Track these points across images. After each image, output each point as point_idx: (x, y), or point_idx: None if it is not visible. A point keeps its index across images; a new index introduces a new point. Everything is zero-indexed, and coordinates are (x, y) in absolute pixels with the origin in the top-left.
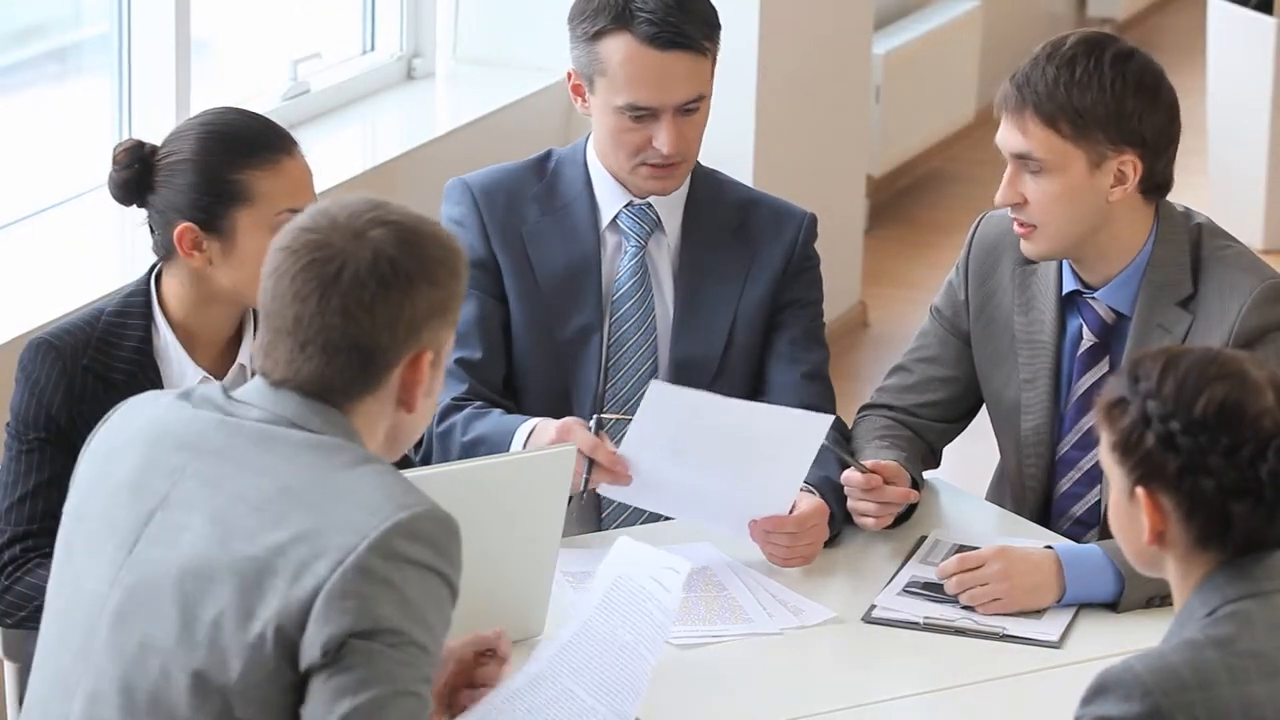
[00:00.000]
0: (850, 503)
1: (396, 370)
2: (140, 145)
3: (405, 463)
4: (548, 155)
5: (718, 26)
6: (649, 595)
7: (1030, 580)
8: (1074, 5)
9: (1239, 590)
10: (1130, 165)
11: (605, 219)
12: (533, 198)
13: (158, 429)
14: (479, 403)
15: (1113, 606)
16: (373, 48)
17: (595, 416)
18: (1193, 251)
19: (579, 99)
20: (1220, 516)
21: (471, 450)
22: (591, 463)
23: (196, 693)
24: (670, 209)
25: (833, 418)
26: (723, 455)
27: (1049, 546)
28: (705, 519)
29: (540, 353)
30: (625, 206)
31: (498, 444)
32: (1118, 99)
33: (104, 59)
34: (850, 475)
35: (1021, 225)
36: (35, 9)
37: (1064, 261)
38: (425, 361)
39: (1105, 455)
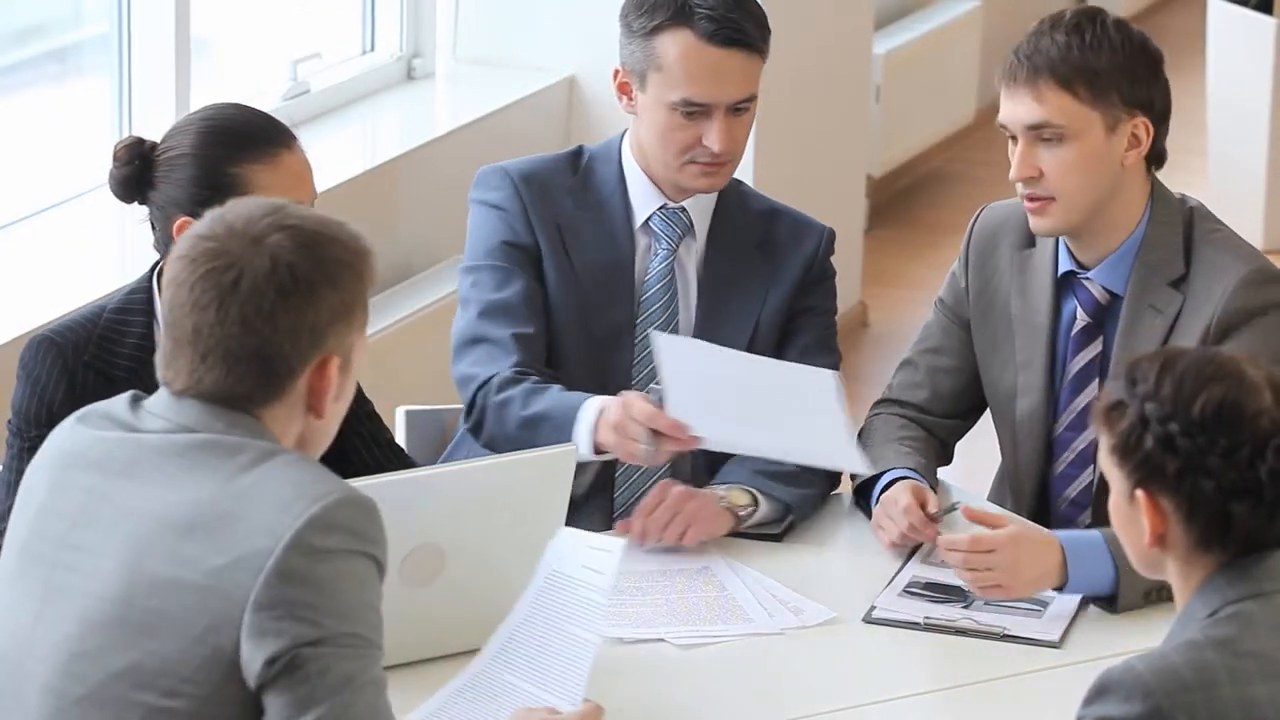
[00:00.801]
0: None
1: (302, 377)
2: (140, 142)
3: (401, 459)
4: (579, 151)
5: (769, 29)
6: (581, 583)
7: (1035, 571)
8: (1073, 5)
9: (1240, 591)
10: (1143, 128)
11: (638, 220)
12: (567, 191)
13: (64, 452)
14: (535, 377)
15: (1112, 602)
16: (373, 48)
17: (650, 387)
18: (1185, 232)
19: (625, 97)
20: (1220, 517)
21: (531, 425)
22: (655, 432)
23: None
24: (701, 214)
25: (833, 373)
26: (753, 401)
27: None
28: (783, 457)
29: (575, 343)
30: (659, 209)
31: (561, 421)
32: (1130, 60)
33: (104, 59)
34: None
35: (1036, 200)
36: (35, 9)
37: (1060, 242)
38: (332, 367)
39: (1104, 458)
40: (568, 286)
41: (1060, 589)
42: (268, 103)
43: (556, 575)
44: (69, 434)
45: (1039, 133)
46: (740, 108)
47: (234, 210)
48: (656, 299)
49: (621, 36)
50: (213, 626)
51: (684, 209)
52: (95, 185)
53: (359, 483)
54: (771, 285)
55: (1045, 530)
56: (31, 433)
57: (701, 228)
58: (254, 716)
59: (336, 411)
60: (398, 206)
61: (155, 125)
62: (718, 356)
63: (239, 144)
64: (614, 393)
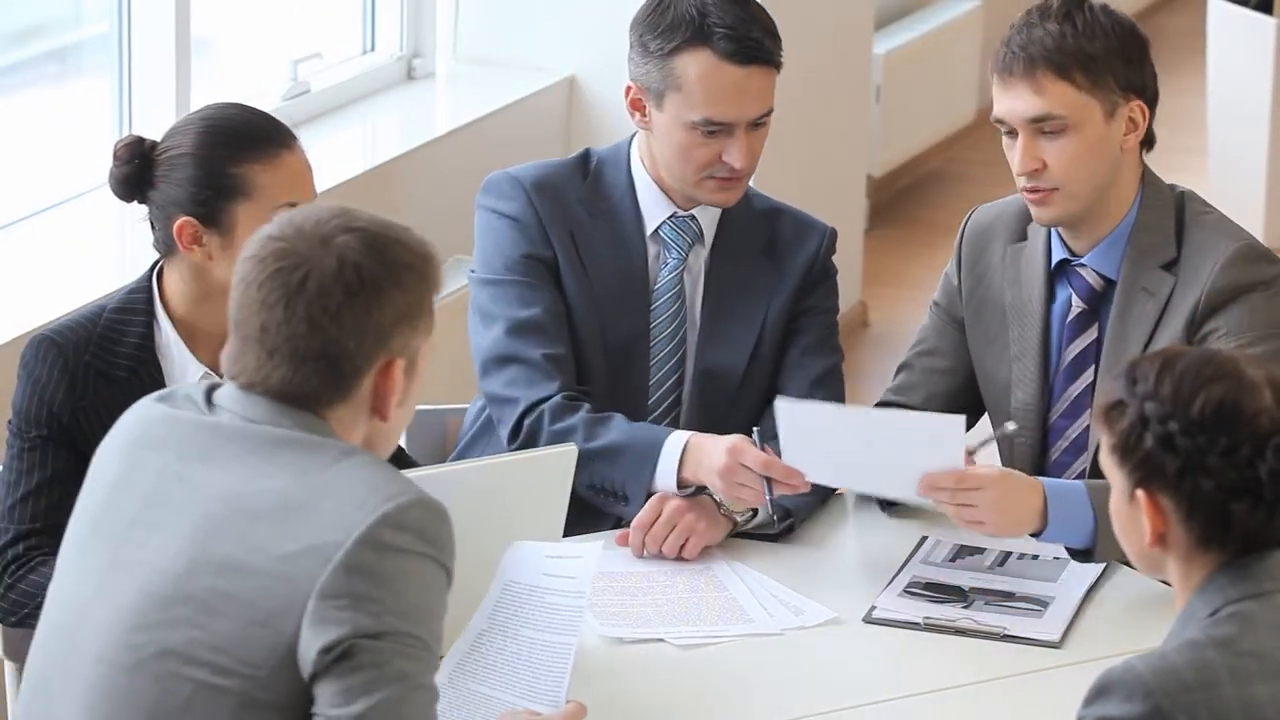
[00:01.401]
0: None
1: (367, 378)
2: (140, 141)
3: (402, 459)
4: (587, 155)
5: (780, 38)
6: (546, 589)
7: (1016, 513)
8: None
9: (1241, 591)
10: (1139, 111)
11: (649, 228)
12: (578, 198)
13: (139, 430)
14: (587, 404)
15: (1089, 555)
16: (373, 48)
17: (755, 429)
18: (1177, 215)
19: (638, 113)
20: (1220, 516)
21: (607, 457)
22: (769, 479)
23: (203, 700)
24: (710, 221)
25: (964, 418)
26: (872, 461)
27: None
28: (890, 494)
29: (592, 353)
30: (669, 218)
31: (644, 454)
32: (1122, 43)
33: (104, 59)
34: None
35: (1038, 191)
36: (35, 9)
37: (1052, 231)
38: (397, 369)
39: (1105, 458)
40: (584, 297)
41: (1038, 535)
42: (268, 103)
43: (513, 585)
44: (146, 411)
45: (1040, 125)
46: (760, 122)
47: (302, 213)
48: (666, 308)
49: (634, 54)
50: (276, 611)
51: (694, 217)
52: (95, 185)
53: None
54: (775, 289)
55: (1030, 476)
56: (31, 433)
57: (710, 235)
58: (300, 707)
59: (401, 416)
60: (398, 206)
61: (155, 125)
62: (840, 416)
63: (240, 144)
64: (634, 400)
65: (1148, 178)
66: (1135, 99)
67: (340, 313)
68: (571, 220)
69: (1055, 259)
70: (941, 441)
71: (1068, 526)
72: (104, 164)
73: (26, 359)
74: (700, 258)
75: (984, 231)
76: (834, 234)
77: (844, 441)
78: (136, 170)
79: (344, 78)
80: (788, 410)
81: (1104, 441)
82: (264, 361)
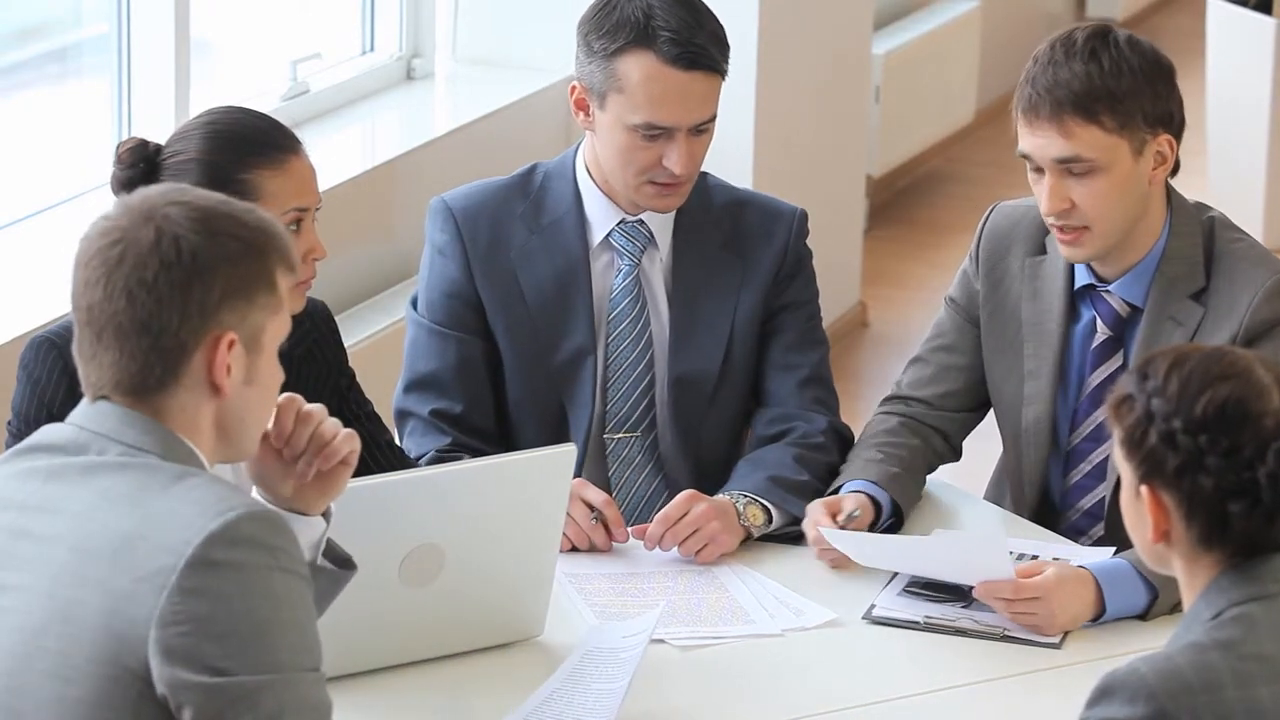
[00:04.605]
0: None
1: (196, 354)
2: (145, 144)
3: (401, 459)
4: (532, 170)
5: (729, 45)
6: (621, 649)
7: (1072, 611)
8: (1073, 5)
9: (1244, 593)
10: (1167, 144)
11: (596, 236)
12: (519, 217)
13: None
14: (465, 456)
15: (1142, 616)
16: (372, 48)
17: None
18: (1205, 244)
19: (581, 113)
20: (1219, 516)
21: None
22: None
23: None
24: (662, 224)
25: (1004, 536)
26: (925, 567)
27: (1082, 565)
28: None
29: (534, 378)
30: (618, 225)
31: None
32: (1149, 79)
33: (104, 59)
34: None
35: (1069, 230)
36: (35, 9)
37: None
38: (225, 344)
39: (1116, 451)
40: (520, 326)
41: (1097, 618)
42: (267, 103)
43: (595, 651)
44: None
45: (1068, 166)
46: (701, 128)
47: (139, 193)
48: (625, 315)
49: (579, 53)
50: (118, 652)
51: (642, 221)
52: (95, 185)
53: (359, 483)
54: (743, 285)
55: (1077, 568)
56: (30, 434)
57: (664, 236)
58: None
59: (254, 396)
60: (397, 206)
61: (155, 126)
62: (883, 541)
63: (247, 149)
64: (578, 416)
65: (1175, 203)
66: (1163, 132)
67: (157, 285)
68: (508, 246)
69: (1079, 283)
70: (987, 557)
71: (1124, 604)
72: (104, 164)
73: (26, 360)
74: (655, 260)
75: (1004, 236)
76: (803, 216)
77: (894, 554)
78: (140, 174)
79: (343, 78)
80: (834, 536)
81: (1114, 435)
82: (95, 346)
